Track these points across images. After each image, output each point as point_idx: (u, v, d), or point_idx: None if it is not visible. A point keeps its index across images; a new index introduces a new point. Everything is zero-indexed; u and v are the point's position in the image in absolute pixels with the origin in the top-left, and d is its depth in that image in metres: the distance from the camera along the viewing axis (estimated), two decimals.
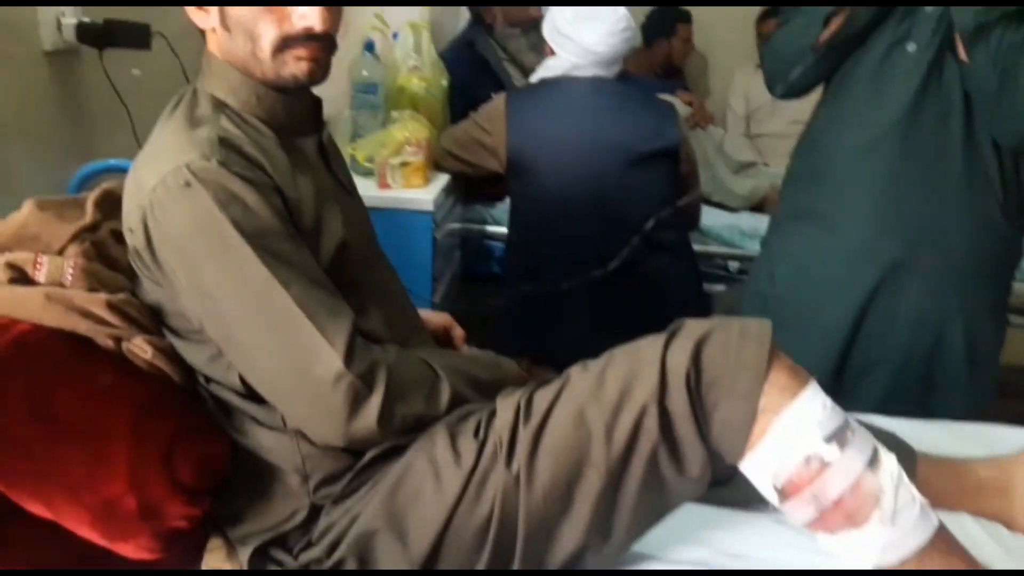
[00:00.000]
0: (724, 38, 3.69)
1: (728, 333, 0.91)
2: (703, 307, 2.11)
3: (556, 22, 1.98)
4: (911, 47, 1.35)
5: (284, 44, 0.97)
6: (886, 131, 1.37)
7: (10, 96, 1.27)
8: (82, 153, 1.39)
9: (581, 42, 1.93)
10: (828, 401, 0.92)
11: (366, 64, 2.03)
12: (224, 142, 0.92)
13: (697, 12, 3.53)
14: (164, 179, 0.89)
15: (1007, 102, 1.26)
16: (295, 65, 0.98)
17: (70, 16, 1.33)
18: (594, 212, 1.94)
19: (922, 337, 1.42)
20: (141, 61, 1.45)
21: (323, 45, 1.00)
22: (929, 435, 1.30)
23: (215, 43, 1.01)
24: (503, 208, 2.43)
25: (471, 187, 2.31)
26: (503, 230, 2.40)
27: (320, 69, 1.01)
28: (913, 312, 1.41)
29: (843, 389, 1.46)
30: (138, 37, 1.34)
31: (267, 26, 0.96)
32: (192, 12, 1.00)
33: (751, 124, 3.71)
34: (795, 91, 1.51)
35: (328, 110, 2.19)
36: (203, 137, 0.92)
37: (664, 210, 1.92)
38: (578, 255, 1.95)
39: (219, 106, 0.99)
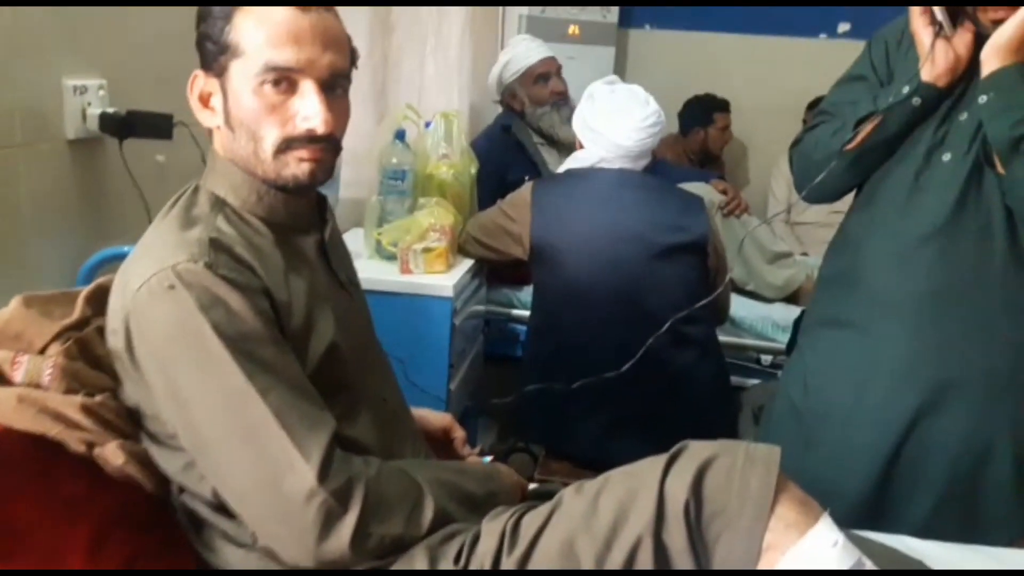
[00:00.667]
0: (766, 125, 3.70)
1: (733, 458, 0.85)
2: (730, 406, 2.03)
3: (586, 116, 1.98)
4: (946, 156, 1.29)
5: (286, 145, 0.96)
6: (923, 243, 1.31)
7: (32, 182, 1.29)
8: (100, 239, 1.40)
9: (610, 137, 1.93)
10: (840, 538, 0.86)
11: (396, 152, 2.05)
12: (215, 243, 0.91)
13: (738, 99, 3.54)
14: (149, 280, 0.87)
15: None
16: (296, 166, 0.97)
17: (95, 106, 1.36)
18: (617, 303, 1.90)
19: (968, 458, 1.32)
20: (167, 147, 1.48)
21: (326, 147, 0.98)
22: (973, 563, 1.21)
23: (219, 141, 1.01)
24: (529, 292, 2.41)
25: (498, 270, 2.29)
26: (528, 314, 2.37)
27: (322, 170, 1.00)
28: (959, 433, 1.32)
29: (882, 509, 1.37)
30: (160, 127, 1.37)
31: (270, 127, 0.95)
32: (198, 110, 1.00)
33: (792, 211, 3.67)
34: (824, 197, 1.46)
35: (357, 194, 2.26)
36: (194, 238, 0.91)
37: (691, 307, 1.87)
38: (601, 346, 1.90)
39: (218, 204, 0.98)
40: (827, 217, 3.66)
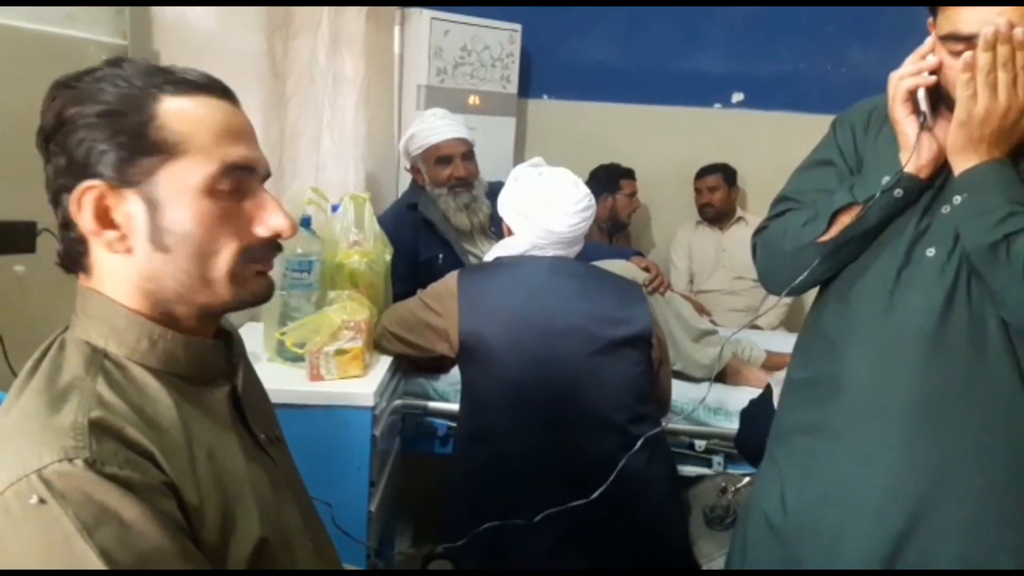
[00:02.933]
0: (665, 192, 3.70)
1: None
2: (682, 509, 1.88)
3: (514, 201, 1.84)
4: (931, 251, 1.20)
5: (249, 257, 0.78)
6: (910, 347, 1.21)
7: None
8: None
9: (542, 223, 1.79)
10: None
11: (300, 240, 1.82)
12: (98, 426, 0.67)
13: (640, 166, 3.52)
14: (3, 494, 0.62)
15: None
16: (256, 282, 0.80)
17: None
18: (558, 403, 1.73)
19: (967, 559, 1.21)
20: (28, 256, 1.20)
21: (278, 253, 0.81)
22: None
23: (121, 271, 0.77)
24: (447, 382, 2.21)
25: (412, 359, 2.07)
26: (448, 407, 2.16)
27: (274, 283, 0.83)
28: (954, 552, 1.21)
29: None
30: (19, 238, 1.09)
31: (227, 239, 0.76)
32: (93, 232, 0.76)
33: (694, 280, 3.65)
34: (793, 291, 1.34)
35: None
36: (67, 423, 0.67)
37: (638, 404, 1.73)
38: (543, 452, 1.72)
39: (95, 359, 0.75)
40: (730, 284, 3.67)
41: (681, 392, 2.36)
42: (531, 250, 1.81)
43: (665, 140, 3.69)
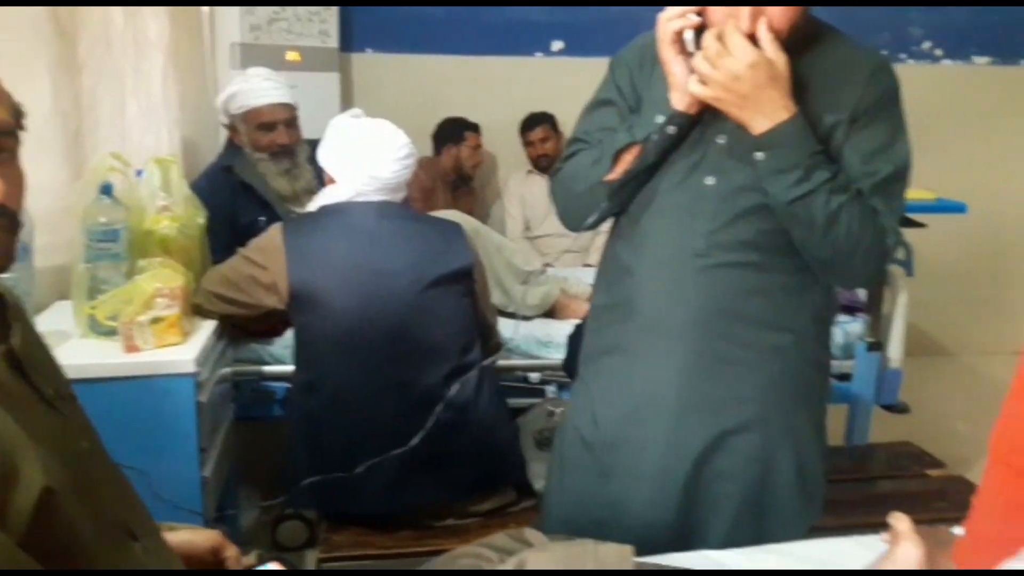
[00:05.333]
0: (508, 142, 3.75)
1: None
2: (512, 433, 1.98)
3: (336, 150, 1.84)
4: (709, 180, 1.30)
5: None
6: (691, 268, 1.31)
7: None
8: None
9: (367, 169, 1.81)
10: None
11: (103, 209, 1.74)
12: None
13: (485, 117, 3.56)
14: None
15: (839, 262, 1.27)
16: None
17: None
18: (392, 342, 1.78)
19: (756, 472, 1.36)
20: None
21: (3, 223, 0.77)
22: (767, 565, 1.25)
23: None
24: (282, 345, 2.20)
25: (242, 324, 2.05)
26: (284, 369, 2.16)
27: (5, 255, 0.79)
28: (747, 451, 1.35)
29: (686, 531, 1.37)
30: None
31: None
32: None
33: (530, 227, 3.76)
34: (589, 225, 1.43)
35: (58, 262, 1.91)
36: None
37: (468, 334, 1.82)
38: (380, 390, 1.77)
39: None
40: (562, 227, 3.80)
41: (513, 330, 2.48)
42: (356, 197, 1.83)
43: (496, 90, 3.74)
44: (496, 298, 2.55)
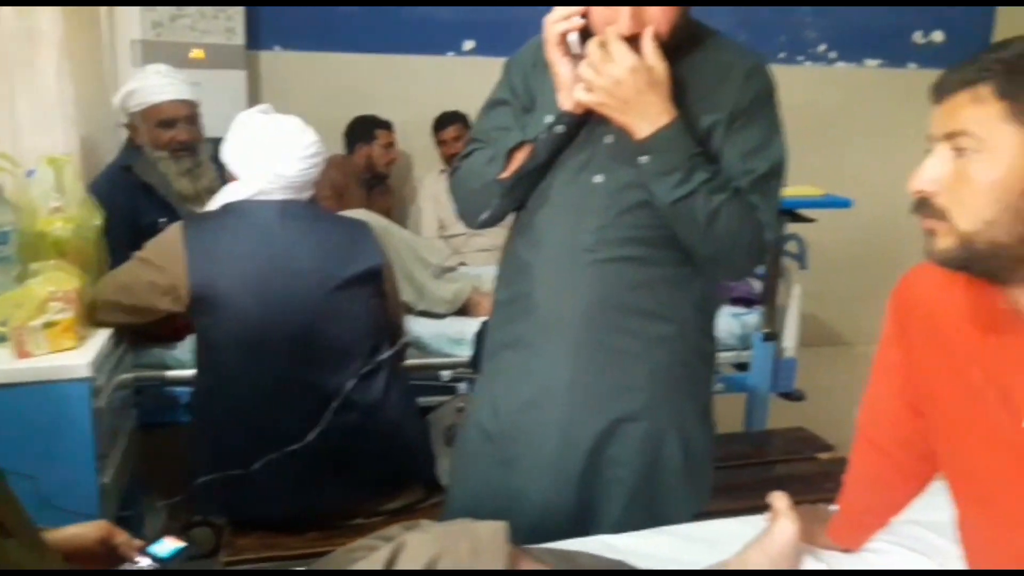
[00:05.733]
0: (424, 141, 3.75)
1: (457, 555, 0.79)
2: (422, 430, 2.00)
3: (241, 146, 1.82)
4: (598, 178, 1.36)
5: None
6: (582, 262, 1.36)
7: None
8: None
9: (272, 167, 1.79)
10: None
11: None
12: None
13: (399, 116, 3.55)
14: None
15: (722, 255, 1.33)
16: None
17: None
18: (298, 344, 1.77)
19: (647, 455, 1.42)
20: None
21: None
22: (659, 545, 1.32)
23: None
24: (186, 349, 2.17)
25: (144, 328, 2.01)
26: (189, 374, 2.13)
27: None
28: (638, 436, 1.40)
29: (583, 516, 1.42)
30: None
31: None
32: None
33: (444, 225, 3.78)
34: (488, 223, 1.47)
35: None
36: None
37: (377, 335, 1.83)
38: (285, 394, 1.76)
39: None
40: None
41: (424, 328, 2.50)
42: (258, 195, 1.81)
43: (409, 89, 3.73)
44: (407, 295, 2.57)
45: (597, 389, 1.40)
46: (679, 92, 1.29)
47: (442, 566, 0.79)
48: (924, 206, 0.88)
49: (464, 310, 2.64)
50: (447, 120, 3.66)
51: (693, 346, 1.43)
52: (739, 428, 2.70)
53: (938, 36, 4.05)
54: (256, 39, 3.55)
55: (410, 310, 2.58)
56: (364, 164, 3.50)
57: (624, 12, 1.22)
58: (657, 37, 1.25)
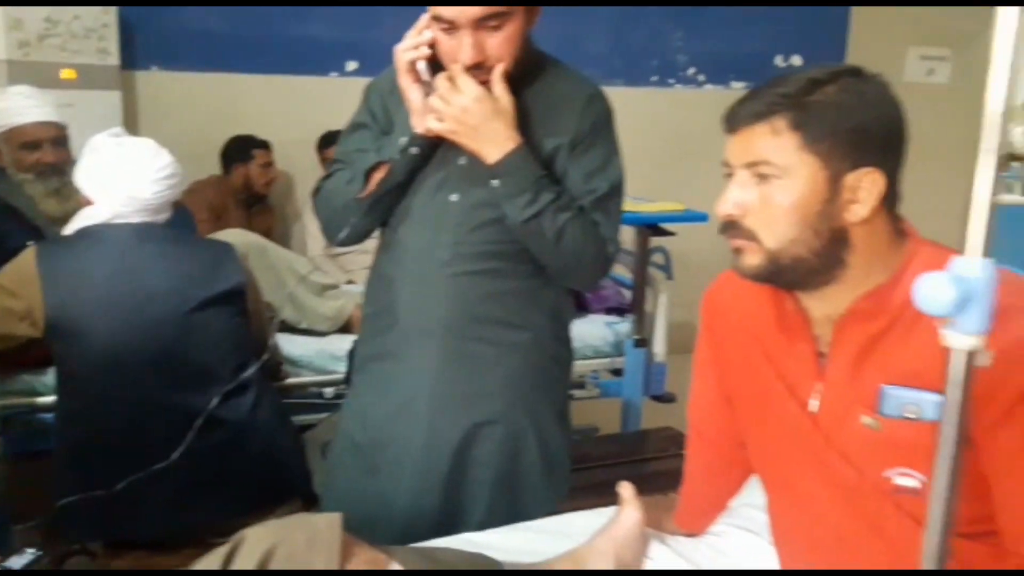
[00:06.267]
0: (307, 160, 3.75)
1: (293, 545, 0.84)
2: (296, 445, 2.03)
3: (94, 170, 1.81)
4: (454, 197, 1.44)
5: None
6: (442, 276, 1.45)
7: None
8: None
9: (126, 190, 1.79)
10: None
11: None
12: None
13: (281, 135, 3.55)
14: None
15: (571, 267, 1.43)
16: None
17: None
18: (159, 367, 1.77)
19: (506, 456, 1.50)
20: None
21: None
22: (518, 540, 1.39)
23: None
24: (54, 374, 2.12)
25: (7, 355, 1.96)
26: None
27: None
28: (499, 438, 1.48)
29: (450, 517, 1.49)
30: None
31: None
32: None
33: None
34: (351, 241, 1.54)
35: None
36: None
37: (240, 354, 1.84)
38: (147, 417, 1.76)
39: None
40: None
41: (306, 346, 2.52)
42: (114, 218, 1.81)
43: (292, 109, 3.74)
44: (289, 314, 2.59)
45: (458, 395, 1.48)
46: (524, 119, 1.40)
47: (278, 556, 0.84)
48: (732, 228, 0.98)
49: (348, 327, 2.68)
50: (331, 139, 3.68)
51: (548, 352, 1.53)
52: (616, 429, 2.83)
53: (797, 60, 4.37)
54: (132, 59, 3.49)
55: (293, 328, 2.60)
56: (242, 184, 3.49)
57: (466, 43, 1.32)
58: (498, 67, 1.35)
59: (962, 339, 0.51)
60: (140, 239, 1.81)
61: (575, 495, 1.64)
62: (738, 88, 4.36)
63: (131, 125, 3.46)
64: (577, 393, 2.78)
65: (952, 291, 0.50)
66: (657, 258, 2.77)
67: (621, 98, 4.85)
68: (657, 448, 2.61)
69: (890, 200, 0.94)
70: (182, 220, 2.26)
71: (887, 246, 0.95)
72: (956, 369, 0.52)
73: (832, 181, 0.92)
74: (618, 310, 2.80)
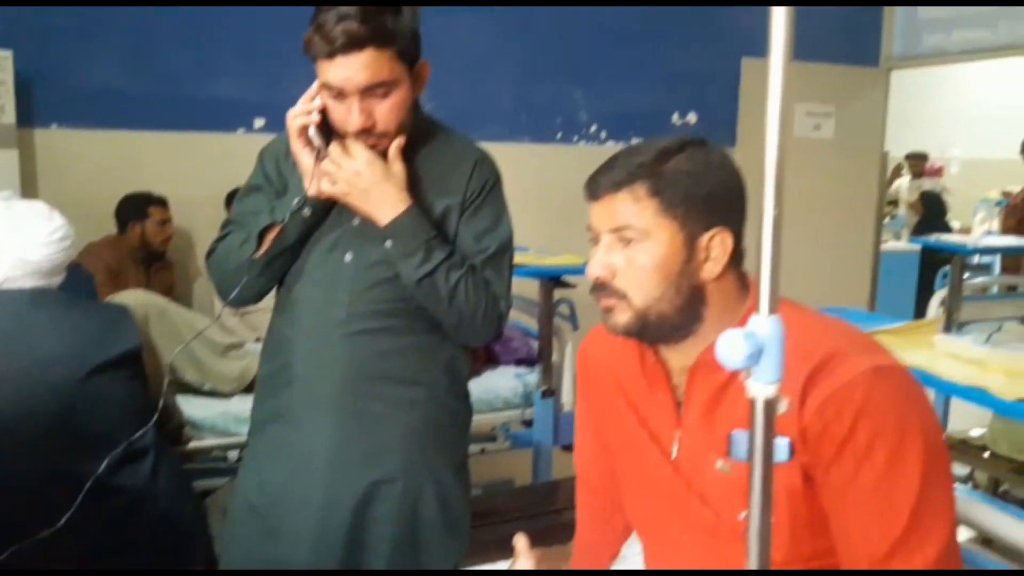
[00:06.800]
0: (208, 217, 3.71)
1: None
2: (197, 511, 1.99)
3: None
4: (348, 257, 1.47)
5: None
6: (336, 336, 1.47)
7: None
8: None
9: (17, 253, 1.76)
10: None
11: None
12: None
13: (174, 193, 3.51)
14: None
15: (465, 326, 1.47)
16: None
17: None
18: (51, 432, 1.72)
19: (406, 511, 1.51)
20: None
21: None
22: None
23: None
24: None
25: None
26: None
27: None
28: (397, 494, 1.49)
29: (355, 571, 1.49)
30: None
31: None
32: None
33: None
34: (247, 301, 1.55)
35: None
36: None
37: (137, 420, 1.80)
38: (39, 483, 1.70)
39: None
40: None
41: (209, 409, 2.48)
42: (5, 283, 1.77)
43: (196, 166, 3.71)
44: (191, 376, 2.55)
45: (355, 454, 1.49)
46: (414, 182, 1.45)
47: None
48: (602, 288, 1.03)
49: (253, 387, 2.64)
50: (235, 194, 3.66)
51: (445, 408, 1.56)
52: (529, 480, 2.86)
53: (692, 117, 4.59)
54: (30, 116, 3.42)
55: (197, 391, 2.56)
56: (139, 242, 3.41)
57: (355, 109, 1.37)
58: (385, 133, 1.40)
59: (760, 388, 0.57)
60: (33, 304, 1.78)
61: (487, 549, 1.65)
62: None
63: (29, 184, 3.39)
64: (489, 446, 2.81)
65: (745, 346, 0.56)
66: (563, 309, 2.84)
67: (527, 154, 5.03)
68: (567, 498, 2.63)
69: (737, 257, 1.02)
70: (79, 282, 2.22)
71: (735, 300, 1.03)
72: (758, 415, 0.58)
73: (689, 242, 1.00)
74: (527, 361, 2.85)
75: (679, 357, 1.05)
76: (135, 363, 1.86)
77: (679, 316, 1.01)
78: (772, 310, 0.55)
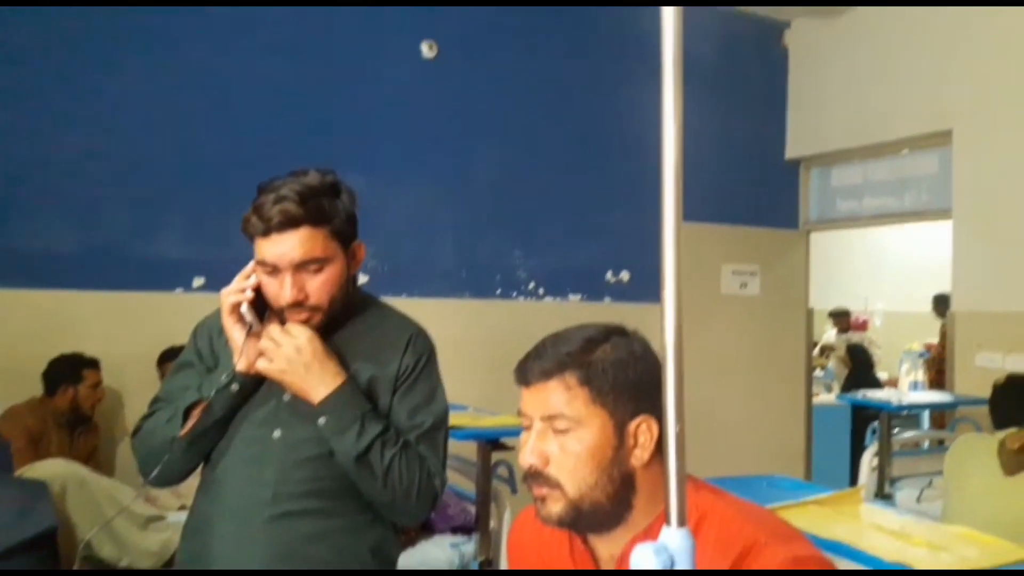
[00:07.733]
0: (139, 377, 3.62)
1: None
2: None
3: None
4: (277, 433, 1.45)
5: None
6: (261, 518, 1.42)
7: None
8: None
9: None
10: None
11: None
12: None
13: (105, 353, 3.43)
14: None
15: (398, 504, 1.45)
16: None
17: None
18: None
19: None
20: None
21: None
22: None
23: None
24: None
25: None
26: None
27: None
28: None
29: None
30: None
31: None
32: None
33: None
34: (172, 480, 1.50)
35: None
36: None
37: None
38: None
39: None
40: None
41: None
42: None
43: (129, 325, 3.66)
44: (107, 551, 2.41)
45: None
46: (349, 357, 1.46)
47: None
48: (535, 477, 1.03)
49: (172, 562, 2.51)
50: (172, 354, 3.60)
51: (385, 554, 1.50)
52: None
53: (625, 275, 4.76)
54: None
55: (112, 567, 2.41)
56: (68, 406, 3.30)
57: (287, 283, 1.40)
58: (317, 307, 1.42)
59: None
60: None
61: None
62: (575, 300, 4.68)
63: None
64: None
65: (656, 562, 0.57)
66: (501, 471, 2.80)
67: (468, 310, 5.08)
68: None
69: (661, 444, 1.04)
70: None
71: (661, 487, 1.04)
72: None
73: (618, 430, 1.02)
74: (463, 528, 2.77)
75: (607, 546, 1.04)
76: (49, 544, 1.77)
77: (611, 504, 1.01)
78: (681, 522, 0.57)
